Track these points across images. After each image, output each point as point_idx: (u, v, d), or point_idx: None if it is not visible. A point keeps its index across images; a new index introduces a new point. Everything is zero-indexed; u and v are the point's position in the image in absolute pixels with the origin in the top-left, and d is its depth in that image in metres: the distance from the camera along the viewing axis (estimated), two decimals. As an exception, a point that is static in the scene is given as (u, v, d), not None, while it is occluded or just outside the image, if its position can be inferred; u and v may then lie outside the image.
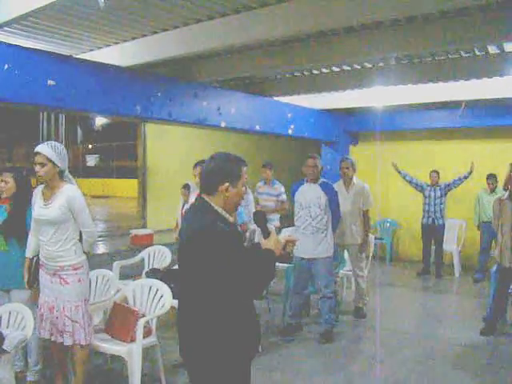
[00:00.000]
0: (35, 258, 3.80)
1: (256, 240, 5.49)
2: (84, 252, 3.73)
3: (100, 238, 8.72)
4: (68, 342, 3.62)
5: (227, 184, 2.34)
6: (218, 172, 2.36)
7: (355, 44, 5.63)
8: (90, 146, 29.99)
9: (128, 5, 4.54)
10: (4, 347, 3.25)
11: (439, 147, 9.70)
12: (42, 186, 3.70)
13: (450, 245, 8.79)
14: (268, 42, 5.68)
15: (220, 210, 2.36)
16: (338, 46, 5.76)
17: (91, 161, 29.17)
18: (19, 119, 19.13)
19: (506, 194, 5.59)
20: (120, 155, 25.08)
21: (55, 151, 3.55)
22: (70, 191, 3.59)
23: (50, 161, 3.52)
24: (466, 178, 8.35)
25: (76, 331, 3.62)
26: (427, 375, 4.63)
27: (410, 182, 8.75)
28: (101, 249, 7.73)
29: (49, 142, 3.69)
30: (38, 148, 3.56)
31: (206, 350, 2.30)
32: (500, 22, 4.82)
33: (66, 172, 3.68)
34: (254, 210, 5.95)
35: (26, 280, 3.80)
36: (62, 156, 3.59)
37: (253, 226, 5.42)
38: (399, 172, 8.79)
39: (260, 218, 2.53)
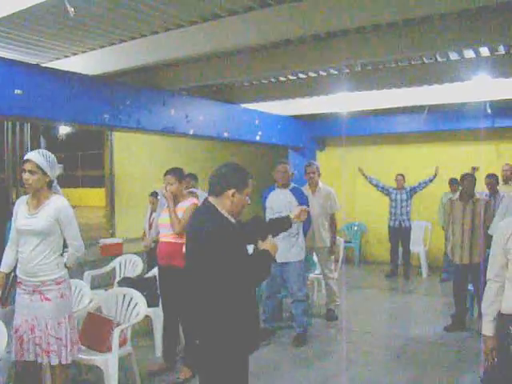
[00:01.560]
0: (12, 275, 3.62)
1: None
2: (66, 266, 3.55)
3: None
4: (55, 361, 3.42)
5: (234, 190, 2.56)
6: (226, 177, 2.61)
7: (320, 51, 5.72)
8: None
9: (96, 13, 4.51)
10: None
11: (404, 151, 9.94)
12: (27, 196, 3.53)
13: (417, 246, 9.01)
14: (235, 50, 5.75)
15: (224, 211, 2.58)
16: (304, 54, 5.85)
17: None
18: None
19: (457, 194, 5.89)
20: (85, 164, 24.75)
21: (46, 160, 3.39)
22: (58, 202, 3.45)
23: (41, 169, 3.37)
24: (431, 181, 8.58)
25: (60, 349, 3.43)
26: (398, 373, 4.73)
27: (377, 186, 8.94)
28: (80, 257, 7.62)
29: (40, 149, 3.50)
30: (29, 155, 3.41)
31: (211, 340, 2.53)
32: (459, 29, 5.00)
33: (55, 183, 3.56)
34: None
35: None
36: (52, 165, 3.44)
37: None
38: (365, 176, 8.97)
39: (257, 221, 2.86)
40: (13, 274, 3.62)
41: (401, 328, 6.16)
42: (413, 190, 8.68)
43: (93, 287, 5.67)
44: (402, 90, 7.55)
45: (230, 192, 2.56)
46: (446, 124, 8.85)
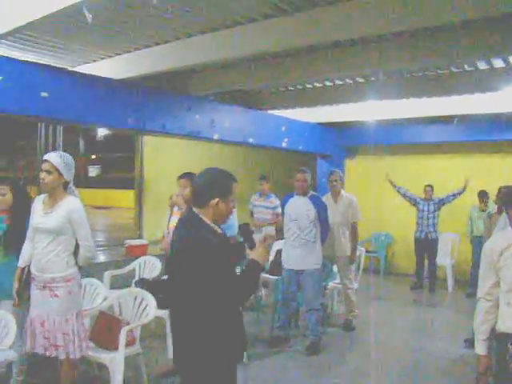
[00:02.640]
0: (26, 269, 3.74)
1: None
2: (76, 264, 3.65)
3: (97, 248, 8.79)
4: (62, 355, 3.54)
5: (217, 199, 2.44)
6: (209, 187, 2.47)
7: (347, 59, 5.73)
8: (93, 157, 30.19)
9: (121, 19, 4.65)
10: None
11: (433, 161, 9.77)
12: (44, 195, 3.66)
13: (444, 259, 8.81)
14: (260, 56, 5.80)
15: (209, 222, 2.46)
16: (331, 61, 5.85)
17: (93, 171, 29.33)
18: (19, 131, 19.32)
19: (495, 207, 5.69)
20: (121, 166, 25.19)
21: (63, 161, 3.53)
22: (71, 203, 3.56)
23: (57, 170, 3.50)
24: (459, 193, 8.40)
25: (67, 344, 3.54)
26: (411, 388, 4.66)
27: (404, 196, 8.81)
28: (93, 259, 7.77)
29: (59, 151, 3.67)
30: (47, 156, 3.56)
31: (196, 354, 2.40)
32: (488, 38, 4.91)
33: (71, 184, 3.67)
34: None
35: (14, 290, 3.73)
36: (69, 167, 3.57)
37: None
38: (394, 186, 8.85)
39: (245, 230, 2.68)
40: (26, 270, 3.74)
41: (419, 342, 6.01)
42: (441, 202, 8.51)
43: (113, 287, 5.78)
44: (431, 99, 7.46)
45: (214, 202, 2.44)
46: (477, 135, 8.66)
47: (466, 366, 5.17)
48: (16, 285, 3.75)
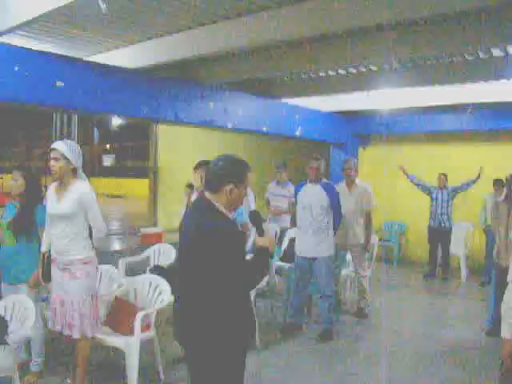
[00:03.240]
0: (47, 253, 3.91)
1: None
2: (93, 247, 3.84)
3: (112, 236, 8.92)
4: (76, 334, 3.73)
5: (232, 185, 2.47)
6: (224, 173, 2.50)
7: (361, 47, 5.70)
8: (108, 146, 30.39)
9: (135, 9, 4.69)
10: (7, 340, 3.38)
11: (448, 150, 9.70)
12: (56, 183, 3.84)
13: (457, 248, 8.78)
14: (273, 44, 5.80)
15: (221, 208, 2.50)
16: (343, 49, 5.83)
17: (108, 160, 29.53)
18: (37, 120, 19.55)
19: (503, 196, 5.66)
20: (135, 155, 25.41)
21: (70, 148, 3.71)
22: (81, 188, 3.74)
23: (65, 157, 3.68)
24: (474, 182, 8.35)
25: (83, 324, 3.73)
26: (423, 374, 4.68)
27: (418, 185, 8.77)
28: (111, 246, 7.91)
29: (66, 139, 3.90)
30: (54, 144, 3.76)
31: (205, 338, 2.45)
32: (503, 24, 4.86)
33: (80, 170, 3.82)
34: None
35: (40, 274, 3.93)
36: (76, 154, 3.75)
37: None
38: (406, 175, 8.82)
39: (255, 217, 2.68)
40: (48, 254, 3.91)
41: (432, 330, 6.04)
42: (455, 191, 8.47)
43: (128, 274, 5.87)
44: (445, 87, 7.41)
45: (228, 188, 2.47)
46: (492, 123, 8.57)
47: (479, 354, 5.20)
48: (40, 269, 3.94)
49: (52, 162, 3.70)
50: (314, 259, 5.51)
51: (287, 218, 7.57)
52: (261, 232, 2.60)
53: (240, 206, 2.64)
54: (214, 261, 2.37)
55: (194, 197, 5.07)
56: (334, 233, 5.62)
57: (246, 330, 2.58)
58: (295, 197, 5.82)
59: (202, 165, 4.66)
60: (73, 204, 3.68)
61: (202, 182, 4.55)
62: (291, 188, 7.48)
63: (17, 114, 19.75)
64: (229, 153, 2.67)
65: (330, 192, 5.54)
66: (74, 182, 3.76)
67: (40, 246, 4.06)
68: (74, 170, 3.78)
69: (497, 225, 5.60)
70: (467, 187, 8.41)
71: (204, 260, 2.40)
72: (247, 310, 2.60)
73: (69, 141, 3.86)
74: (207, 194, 2.53)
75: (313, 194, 5.54)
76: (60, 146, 3.71)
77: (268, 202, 7.80)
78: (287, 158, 10.59)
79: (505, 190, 5.62)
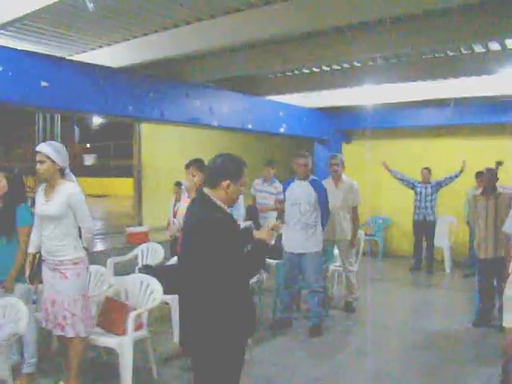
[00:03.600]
0: (38, 255, 3.90)
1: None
2: (84, 248, 3.85)
3: (97, 236, 8.85)
4: (70, 333, 3.73)
5: (229, 181, 2.61)
6: (222, 169, 2.65)
7: (344, 44, 5.74)
8: (88, 146, 30.09)
9: (119, 8, 4.66)
10: None
11: (430, 144, 9.84)
12: (44, 185, 3.84)
13: (442, 241, 8.91)
14: (258, 42, 5.82)
15: (219, 202, 2.63)
16: (328, 46, 5.89)
17: (89, 160, 29.27)
18: (17, 120, 19.28)
19: (480, 190, 5.81)
20: (117, 154, 25.18)
21: (54, 150, 3.71)
22: (69, 188, 3.73)
23: (49, 158, 3.68)
24: (456, 176, 8.48)
25: (76, 324, 3.73)
26: (412, 366, 4.76)
27: (401, 180, 8.88)
28: (97, 246, 7.85)
29: (49, 141, 3.90)
30: (38, 147, 3.75)
31: (207, 330, 2.55)
32: (485, 21, 4.94)
33: (67, 170, 3.83)
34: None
35: (26, 275, 3.90)
36: (61, 154, 3.74)
37: (247, 223, 5.53)
38: (390, 171, 8.92)
39: (253, 212, 2.78)
40: (38, 255, 3.90)
41: (419, 322, 6.13)
42: (438, 185, 8.59)
43: (116, 274, 5.85)
44: (427, 82, 7.50)
45: (225, 183, 2.60)
46: (473, 117, 8.72)
47: (465, 345, 5.31)
48: (27, 270, 3.91)
49: (38, 165, 3.70)
50: (303, 255, 5.55)
51: (273, 214, 7.57)
52: (257, 226, 2.68)
53: (236, 201, 2.75)
54: (213, 250, 2.46)
55: (185, 196, 5.03)
56: (323, 229, 5.67)
57: (246, 319, 2.67)
58: (283, 194, 5.85)
59: (192, 163, 4.67)
60: (61, 205, 3.68)
61: (192, 180, 4.58)
62: (278, 185, 7.49)
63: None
64: (214, 152, 2.81)
65: (317, 188, 5.59)
66: (62, 182, 3.76)
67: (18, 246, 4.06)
68: (61, 171, 3.78)
69: (476, 217, 5.76)
70: (450, 181, 8.53)
71: (203, 250, 2.50)
72: (247, 300, 2.71)
73: (53, 142, 3.87)
74: (206, 190, 2.66)
75: (301, 191, 5.58)
76: (44, 148, 3.72)
77: (254, 199, 7.79)
78: (272, 155, 10.67)
79: (475, 183, 5.79)
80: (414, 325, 6.01)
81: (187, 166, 4.67)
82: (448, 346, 5.26)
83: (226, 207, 2.65)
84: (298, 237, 5.54)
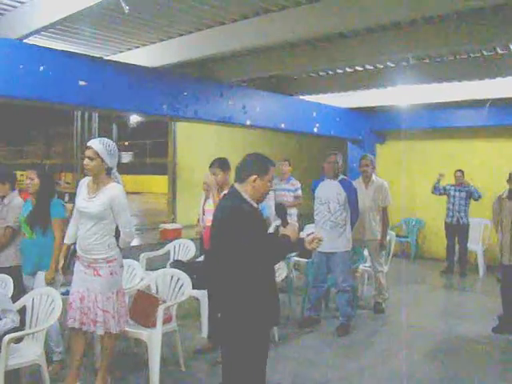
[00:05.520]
0: (72, 247, 3.95)
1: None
2: (118, 246, 3.82)
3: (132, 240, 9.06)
4: (100, 331, 3.75)
5: (255, 176, 2.83)
6: (250, 165, 2.90)
7: (376, 44, 5.75)
8: (126, 144, 30.62)
9: (155, 9, 4.79)
10: None
11: (465, 146, 9.68)
12: (89, 178, 3.81)
13: (475, 244, 8.78)
14: (290, 42, 5.87)
15: (247, 196, 2.84)
16: (360, 47, 5.90)
17: (126, 158, 29.77)
18: (56, 118, 19.83)
19: (505, 192, 5.63)
20: (154, 152, 25.57)
21: (106, 148, 3.66)
22: (114, 190, 3.69)
23: (99, 156, 3.63)
24: (480, 197, 8.39)
25: (107, 321, 3.74)
26: (438, 369, 4.74)
27: (440, 194, 8.73)
28: (132, 242, 8.04)
29: (103, 138, 3.78)
30: (90, 142, 3.72)
31: (233, 316, 2.76)
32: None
33: (114, 170, 3.80)
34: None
35: (60, 266, 3.98)
36: (111, 154, 3.69)
37: (277, 222, 5.59)
38: (437, 184, 8.72)
39: (281, 209, 3.03)
40: (72, 247, 3.96)
41: (448, 325, 6.06)
42: (469, 193, 8.43)
43: (148, 268, 6.00)
44: (463, 83, 7.42)
45: (252, 178, 2.82)
46: (510, 118, 8.54)
47: (492, 350, 5.24)
48: (61, 261, 4.00)
49: (86, 161, 3.67)
50: (332, 254, 5.57)
51: (293, 211, 7.52)
52: (285, 224, 2.93)
53: (264, 198, 2.94)
54: (238, 237, 2.67)
55: (209, 197, 5.09)
56: (352, 228, 5.68)
57: (270, 309, 2.85)
58: (313, 192, 5.87)
59: (215, 162, 4.76)
60: (103, 206, 3.65)
61: (215, 179, 4.68)
62: (294, 182, 7.49)
63: (34, 113, 20.06)
64: (246, 152, 3.01)
65: (347, 188, 5.60)
66: (107, 182, 3.72)
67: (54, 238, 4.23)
68: (109, 170, 3.74)
69: (500, 220, 5.59)
70: (478, 197, 8.39)
71: (228, 238, 2.71)
72: (271, 289, 2.89)
73: (106, 140, 3.74)
74: (236, 185, 2.89)
75: (330, 190, 5.60)
76: (96, 144, 3.67)
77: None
78: (305, 156, 10.72)
79: (508, 185, 5.62)
80: (443, 328, 5.95)
81: (210, 166, 4.76)
82: (477, 352, 5.20)
83: (252, 201, 2.84)
84: (328, 236, 5.55)
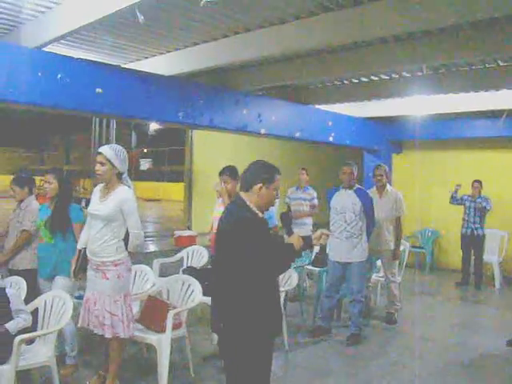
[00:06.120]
0: (83, 250, 4.05)
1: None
2: (126, 250, 3.90)
3: (148, 239, 9.15)
4: (108, 334, 3.82)
5: (260, 185, 2.79)
6: (254, 174, 2.85)
7: (391, 54, 5.76)
8: (145, 151, 30.95)
9: (171, 19, 4.87)
10: (7, 327, 3.50)
11: (482, 157, 9.61)
12: (101, 184, 3.97)
13: (491, 256, 8.69)
14: (306, 52, 5.92)
15: (252, 205, 2.80)
16: (374, 56, 5.90)
17: (144, 164, 30.07)
18: (75, 125, 20.14)
19: None
20: (171, 160, 25.77)
21: (116, 153, 3.83)
22: (123, 193, 3.84)
23: (109, 161, 3.79)
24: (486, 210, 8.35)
25: (115, 324, 3.82)
26: (450, 382, 4.68)
27: (458, 205, 8.67)
28: (147, 248, 8.13)
29: (113, 144, 4.00)
30: (101, 148, 3.90)
31: (235, 324, 2.72)
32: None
33: (125, 175, 3.94)
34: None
35: (72, 269, 4.08)
36: (121, 159, 3.86)
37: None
38: (454, 194, 8.67)
39: (286, 218, 3.04)
40: (82, 252, 4.06)
41: (461, 337, 5.99)
42: (484, 203, 8.34)
43: (161, 274, 6.06)
44: (479, 93, 7.38)
45: (258, 186, 2.79)
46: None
47: (505, 364, 5.17)
48: (73, 265, 4.09)
49: (97, 166, 3.82)
50: (348, 264, 5.56)
51: (309, 221, 7.53)
52: (290, 233, 2.92)
53: (270, 206, 2.90)
54: (241, 247, 2.62)
55: (220, 200, 5.13)
56: (368, 238, 5.66)
57: (273, 316, 2.81)
58: (329, 202, 5.87)
59: (225, 171, 4.81)
60: (114, 208, 3.78)
61: (226, 187, 4.72)
62: (311, 192, 7.52)
63: (53, 120, 20.45)
64: (260, 160, 2.97)
65: (363, 198, 5.60)
66: (118, 186, 3.87)
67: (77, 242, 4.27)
68: (119, 175, 3.89)
69: None
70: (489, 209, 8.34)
71: (233, 247, 2.67)
72: (274, 299, 2.85)
73: (116, 146, 3.94)
74: (241, 194, 2.86)
75: (346, 200, 5.60)
76: (106, 150, 3.84)
77: (289, 207, 7.76)
78: (320, 165, 10.71)
79: None
80: (456, 340, 5.88)
81: (220, 174, 4.80)
82: (490, 365, 5.14)
83: (258, 210, 2.81)
84: (344, 246, 5.55)
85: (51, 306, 3.94)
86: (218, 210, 4.85)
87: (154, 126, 22.31)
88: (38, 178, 6.90)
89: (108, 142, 8.35)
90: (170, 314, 4.13)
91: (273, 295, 2.85)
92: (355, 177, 5.70)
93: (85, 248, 4.02)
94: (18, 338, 3.42)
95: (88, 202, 4.50)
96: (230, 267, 2.71)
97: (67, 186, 4.53)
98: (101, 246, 3.82)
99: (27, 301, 3.97)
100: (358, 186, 5.76)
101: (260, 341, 2.76)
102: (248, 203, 2.80)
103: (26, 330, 3.62)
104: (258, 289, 2.71)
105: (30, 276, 4.42)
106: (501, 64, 6.24)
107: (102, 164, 3.81)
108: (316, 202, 7.48)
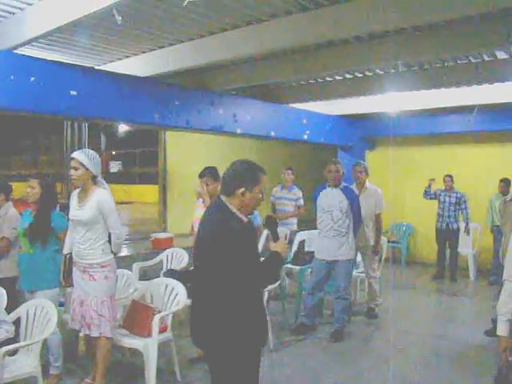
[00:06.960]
0: (68, 255, 4.10)
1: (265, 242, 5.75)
2: (112, 252, 4.00)
3: (123, 242, 9.02)
4: (95, 333, 3.90)
5: (243, 189, 2.56)
6: (236, 177, 2.60)
7: (365, 52, 5.80)
8: (114, 153, 30.54)
9: (146, 20, 4.81)
10: None
11: (454, 152, 9.80)
12: (78, 190, 4.01)
13: (465, 248, 8.86)
14: (280, 51, 5.92)
15: (235, 210, 2.58)
16: (349, 54, 5.93)
17: (114, 167, 29.68)
18: (45, 128, 19.77)
19: (510, 195, 5.67)
20: (143, 161, 25.54)
21: (88, 157, 3.89)
22: (100, 195, 3.91)
23: (83, 166, 3.86)
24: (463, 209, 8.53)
25: (102, 324, 3.90)
26: (431, 373, 4.77)
27: (431, 199, 8.82)
28: (123, 251, 8.01)
29: (84, 149, 4.12)
30: (73, 154, 3.95)
31: (218, 337, 2.54)
32: (508, 27, 4.95)
33: (99, 177, 4.00)
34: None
35: (61, 276, 4.13)
36: (94, 162, 3.93)
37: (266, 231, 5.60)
38: (428, 188, 8.82)
39: (271, 222, 2.79)
40: (69, 255, 4.11)
41: (441, 329, 6.11)
42: (458, 199, 8.52)
43: (141, 278, 5.99)
44: (451, 89, 7.50)
45: (240, 191, 2.54)
46: (497, 124, 8.63)
47: (485, 354, 5.27)
48: (61, 271, 4.13)
49: (72, 171, 3.89)
50: (334, 262, 5.59)
51: (294, 221, 7.62)
52: (275, 237, 2.69)
53: (254, 210, 2.71)
54: (226, 259, 2.42)
55: (199, 201, 5.09)
56: (354, 236, 5.70)
57: (258, 329, 2.65)
58: (315, 201, 5.88)
59: (206, 173, 4.78)
60: (93, 211, 3.85)
61: (206, 188, 4.70)
62: (297, 191, 7.56)
63: (23, 123, 20.03)
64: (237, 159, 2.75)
65: (349, 195, 5.63)
66: (94, 189, 3.93)
67: (58, 251, 4.26)
68: (94, 178, 3.95)
69: (503, 223, 5.64)
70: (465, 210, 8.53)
71: (216, 259, 2.46)
72: (259, 310, 2.68)
73: (87, 150, 4.04)
74: (223, 197, 2.62)
75: (333, 198, 5.62)
76: (79, 155, 3.90)
77: (273, 207, 7.79)
78: (295, 163, 10.72)
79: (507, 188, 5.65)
80: (436, 332, 5.99)
81: (201, 176, 4.77)
82: (470, 355, 5.24)
83: (242, 215, 2.60)
84: (331, 244, 5.57)
85: (34, 315, 3.86)
86: (199, 211, 4.81)
87: (122, 128, 21.97)
88: (22, 184, 6.71)
89: (81, 145, 8.21)
90: (157, 318, 4.09)
91: (259, 307, 2.68)
92: (341, 176, 5.72)
93: (70, 253, 4.06)
94: (2, 350, 3.33)
95: (62, 207, 4.45)
96: (213, 277, 2.50)
97: (51, 191, 4.43)
98: (87, 248, 3.89)
99: (8, 310, 3.87)
100: (344, 183, 5.78)
101: (247, 354, 2.60)
102: (231, 208, 2.57)
103: (7, 341, 3.53)
104: (243, 302, 2.53)
105: (9, 284, 4.31)
106: (472, 61, 6.35)
107: (76, 169, 3.88)
108: (302, 202, 7.52)
